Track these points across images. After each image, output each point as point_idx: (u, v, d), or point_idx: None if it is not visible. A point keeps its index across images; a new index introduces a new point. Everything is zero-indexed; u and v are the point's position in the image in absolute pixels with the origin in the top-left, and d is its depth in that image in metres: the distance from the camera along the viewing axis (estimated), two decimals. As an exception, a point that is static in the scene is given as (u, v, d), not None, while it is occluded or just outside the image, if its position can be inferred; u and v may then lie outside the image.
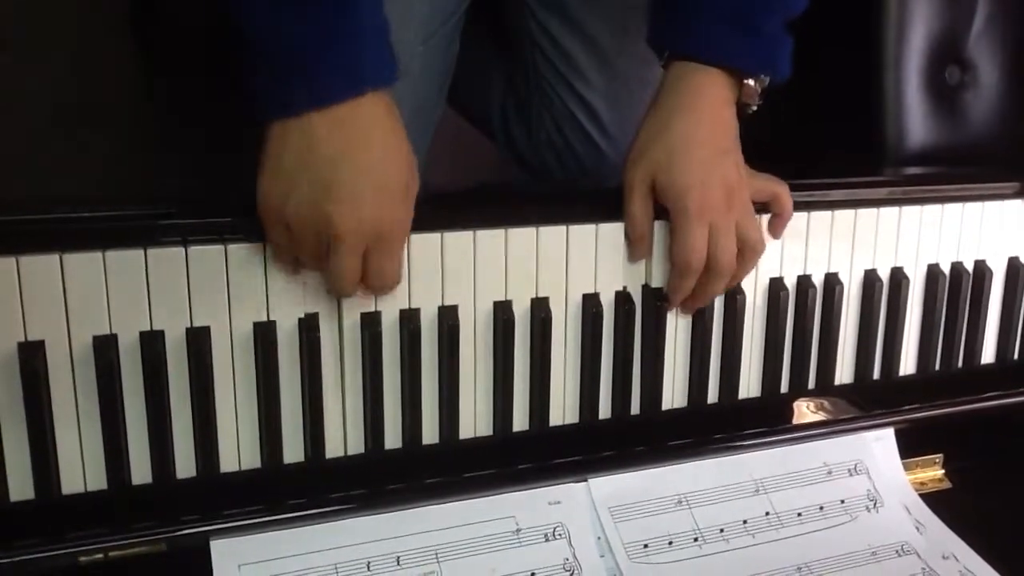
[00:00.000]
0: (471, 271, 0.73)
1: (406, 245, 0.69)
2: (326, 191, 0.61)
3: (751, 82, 0.76)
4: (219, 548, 0.63)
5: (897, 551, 0.73)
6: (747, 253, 0.76)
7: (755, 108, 0.78)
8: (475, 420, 0.75)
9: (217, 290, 0.67)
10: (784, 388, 0.84)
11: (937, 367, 0.89)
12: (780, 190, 0.78)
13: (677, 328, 0.80)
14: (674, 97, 0.75)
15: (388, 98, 0.64)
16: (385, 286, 0.68)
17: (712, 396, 0.82)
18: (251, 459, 0.69)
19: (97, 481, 0.66)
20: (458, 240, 0.72)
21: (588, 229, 0.75)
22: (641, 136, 0.75)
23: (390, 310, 0.71)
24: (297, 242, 0.64)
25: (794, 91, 0.79)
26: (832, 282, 0.84)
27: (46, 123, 0.97)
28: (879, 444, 0.80)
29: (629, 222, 0.75)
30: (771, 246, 0.81)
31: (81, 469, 0.66)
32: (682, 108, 0.74)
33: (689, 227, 0.74)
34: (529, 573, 0.67)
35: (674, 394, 0.81)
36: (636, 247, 0.76)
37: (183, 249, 0.66)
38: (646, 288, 0.78)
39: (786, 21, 0.77)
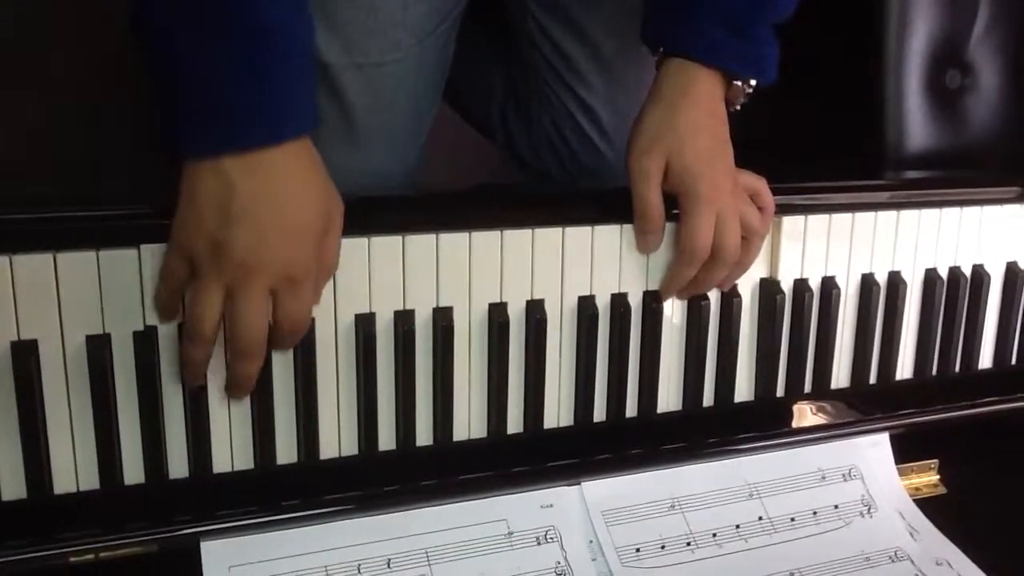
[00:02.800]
0: (466, 272, 0.72)
1: (401, 249, 0.69)
2: (236, 231, 0.60)
3: (738, 83, 0.78)
4: (209, 549, 0.63)
5: (891, 557, 0.73)
6: (752, 238, 0.77)
7: (737, 108, 0.80)
8: (469, 422, 0.75)
9: (211, 289, 0.67)
10: (780, 392, 0.84)
11: (934, 372, 0.89)
12: (760, 185, 0.79)
13: (673, 331, 0.79)
14: (673, 89, 0.77)
15: (306, 142, 0.63)
16: (294, 332, 0.65)
17: (708, 399, 0.81)
18: (244, 460, 0.69)
19: (89, 480, 0.66)
20: (453, 241, 0.72)
21: (584, 231, 0.75)
22: (648, 125, 0.76)
23: (385, 311, 0.71)
24: (198, 278, 0.62)
25: (794, 93, 0.79)
26: (829, 286, 0.83)
27: (43, 122, 0.97)
28: (874, 449, 0.79)
29: (645, 210, 0.75)
30: (768, 249, 0.81)
31: (74, 468, 0.65)
32: (684, 98, 0.76)
33: (699, 212, 0.74)
34: (520, 576, 0.67)
35: (669, 397, 0.80)
36: (649, 237, 0.76)
37: (177, 248, 0.65)
38: (645, 293, 0.78)
39: (775, 24, 0.78)
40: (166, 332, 0.66)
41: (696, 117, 0.76)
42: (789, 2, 0.78)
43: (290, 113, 0.62)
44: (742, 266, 0.79)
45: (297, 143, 0.63)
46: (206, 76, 0.60)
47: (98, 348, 0.64)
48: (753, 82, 0.79)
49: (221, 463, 0.69)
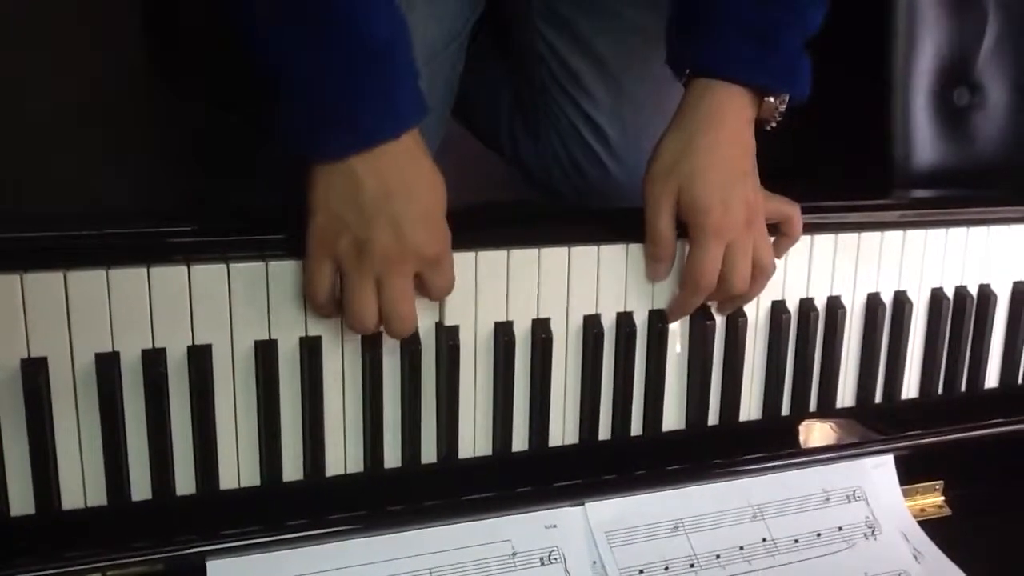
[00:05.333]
0: (472, 291, 0.73)
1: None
2: (376, 227, 0.64)
3: (771, 99, 0.76)
4: (215, 569, 0.63)
5: (894, 579, 0.73)
6: (757, 275, 0.77)
7: (773, 126, 0.78)
8: (475, 440, 0.75)
9: (219, 308, 0.67)
10: (785, 411, 0.84)
11: (940, 391, 0.89)
12: (793, 212, 0.78)
13: (678, 350, 0.80)
14: (696, 114, 0.75)
15: (416, 131, 0.66)
16: (440, 297, 0.71)
17: (713, 418, 0.82)
18: (251, 477, 0.70)
19: (97, 497, 0.66)
20: (460, 260, 0.71)
21: (590, 250, 0.75)
22: (665, 152, 0.75)
23: (391, 330, 0.71)
24: (347, 277, 0.65)
25: (801, 111, 0.79)
26: (835, 305, 0.84)
27: (51, 133, 0.98)
28: (878, 471, 0.79)
29: (654, 238, 0.75)
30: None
31: (82, 485, 0.66)
32: (706, 126, 0.74)
33: (707, 246, 0.74)
34: (524, 596, 0.68)
35: (674, 416, 0.80)
36: (659, 265, 0.76)
37: (186, 267, 0.66)
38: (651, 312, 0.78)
39: (804, 39, 0.77)
40: (174, 351, 0.67)
41: (716, 145, 0.74)
42: (816, 15, 0.76)
43: (406, 107, 0.65)
44: (744, 299, 0.79)
45: (411, 133, 0.66)
46: (328, 90, 0.63)
47: (107, 366, 0.65)
48: (786, 98, 0.76)
49: (228, 480, 0.69)
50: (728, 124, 0.75)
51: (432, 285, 0.68)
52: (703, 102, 0.75)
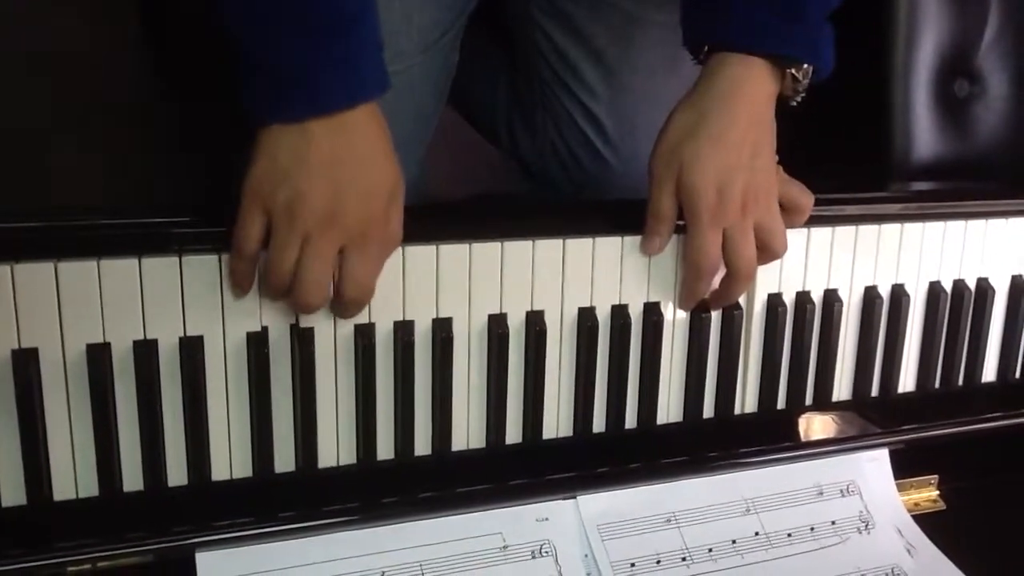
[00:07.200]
0: (466, 283, 0.73)
1: (401, 260, 0.70)
2: (317, 182, 0.63)
3: (794, 72, 0.73)
4: (204, 561, 0.63)
5: (887, 574, 0.73)
6: (764, 258, 0.76)
7: (797, 102, 0.76)
8: (468, 432, 0.75)
9: (211, 299, 0.67)
10: (781, 404, 0.84)
11: (937, 385, 0.89)
12: (805, 202, 0.77)
13: (673, 343, 0.79)
14: (711, 91, 0.72)
15: (377, 108, 0.66)
16: (358, 298, 0.67)
17: (708, 411, 0.81)
18: (243, 468, 0.70)
19: (89, 488, 0.66)
20: (454, 252, 0.72)
21: (585, 243, 0.75)
22: (673, 130, 0.73)
23: (384, 321, 0.71)
24: (276, 230, 0.64)
25: (801, 102, 0.78)
26: (831, 298, 0.83)
27: (46, 126, 0.97)
28: (873, 465, 0.79)
29: (654, 216, 0.74)
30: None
31: (73, 476, 0.66)
32: (719, 104, 0.72)
33: (700, 230, 0.73)
34: (515, 590, 0.67)
35: (669, 409, 0.80)
36: (654, 238, 0.75)
37: (177, 258, 0.66)
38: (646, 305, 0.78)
39: (827, 12, 0.74)
40: (166, 342, 0.66)
41: (725, 128, 0.71)
42: None
43: (369, 78, 0.65)
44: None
45: (371, 106, 0.65)
46: (294, 57, 0.62)
47: (98, 357, 0.65)
48: (810, 71, 0.73)
49: (219, 471, 0.69)
50: (745, 100, 0.72)
51: (351, 269, 0.65)
52: (720, 77, 0.72)
